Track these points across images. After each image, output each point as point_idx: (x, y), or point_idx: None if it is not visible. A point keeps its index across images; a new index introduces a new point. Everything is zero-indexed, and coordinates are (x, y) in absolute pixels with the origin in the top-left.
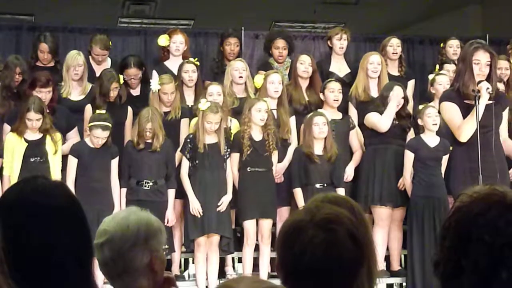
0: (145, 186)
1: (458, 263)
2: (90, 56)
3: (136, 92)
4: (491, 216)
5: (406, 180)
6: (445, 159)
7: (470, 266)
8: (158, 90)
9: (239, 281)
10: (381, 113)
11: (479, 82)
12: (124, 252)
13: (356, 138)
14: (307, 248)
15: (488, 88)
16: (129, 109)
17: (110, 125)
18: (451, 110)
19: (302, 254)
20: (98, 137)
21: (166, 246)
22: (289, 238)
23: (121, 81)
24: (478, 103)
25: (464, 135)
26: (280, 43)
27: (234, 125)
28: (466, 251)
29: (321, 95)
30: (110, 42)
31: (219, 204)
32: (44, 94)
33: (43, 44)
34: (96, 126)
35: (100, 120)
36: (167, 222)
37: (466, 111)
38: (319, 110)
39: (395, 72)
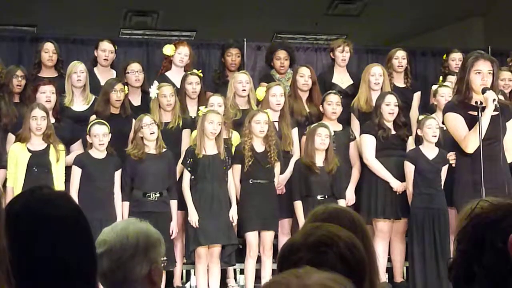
0: (152, 198)
1: (471, 268)
2: (95, 68)
3: (136, 102)
4: (506, 224)
5: (409, 192)
6: (444, 170)
7: (483, 272)
8: (157, 94)
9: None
10: (374, 126)
11: (484, 90)
12: (123, 262)
13: (355, 150)
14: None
15: (494, 100)
16: (134, 121)
17: (107, 125)
18: (456, 121)
19: None
20: (97, 134)
21: (165, 258)
22: (283, 259)
23: (126, 90)
24: (481, 115)
25: (470, 146)
26: (282, 54)
27: (234, 137)
28: (479, 257)
29: (320, 107)
30: (116, 46)
31: (231, 219)
32: (48, 93)
33: (48, 43)
34: (93, 123)
35: (97, 120)
36: (172, 234)
37: (470, 122)
38: (323, 121)
39: (401, 84)
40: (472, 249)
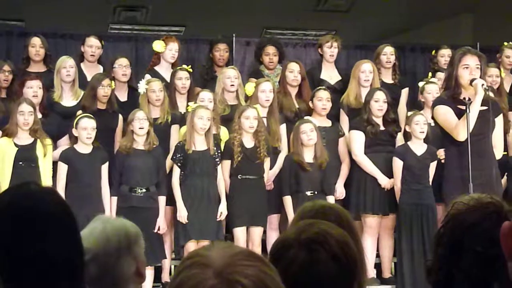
0: (138, 193)
1: (450, 272)
2: (82, 63)
3: (123, 97)
4: (484, 227)
5: (397, 187)
6: (432, 166)
7: (462, 276)
8: (146, 89)
9: (210, 248)
10: (363, 122)
11: (472, 80)
12: (111, 266)
13: (345, 146)
14: (288, 267)
15: (483, 85)
16: (120, 116)
17: (95, 119)
18: (446, 112)
19: (285, 272)
20: (86, 127)
21: (144, 246)
22: (275, 256)
23: (113, 86)
24: (469, 111)
25: (461, 134)
26: (271, 49)
27: (223, 132)
28: (458, 260)
29: (310, 103)
30: (103, 42)
31: (218, 216)
32: (35, 88)
33: (35, 38)
34: (81, 117)
35: (85, 114)
36: (158, 230)
37: (460, 116)
38: (306, 117)
39: (389, 80)
40: (451, 252)
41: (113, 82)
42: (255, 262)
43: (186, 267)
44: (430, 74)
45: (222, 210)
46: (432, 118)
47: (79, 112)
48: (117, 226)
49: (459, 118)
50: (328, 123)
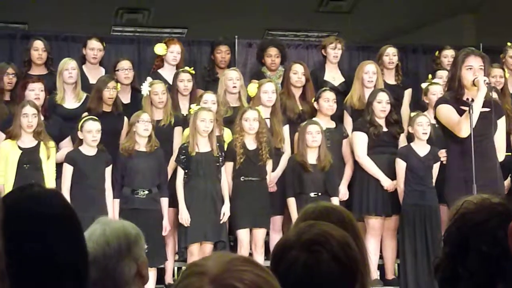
0: (140, 195)
1: (456, 270)
2: (84, 65)
3: (126, 99)
4: (490, 226)
5: (400, 189)
6: (435, 167)
7: (467, 275)
8: (149, 92)
9: (207, 258)
10: (366, 123)
11: (474, 79)
12: (111, 270)
13: (348, 147)
14: (290, 269)
15: (485, 80)
16: (125, 118)
17: (99, 122)
18: (448, 110)
19: (286, 274)
20: (91, 130)
21: (146, 246)
22: (277, 257)
23: (118, 88)
24: (472, 112)
25: (464, 130)
26: (273, 51)
27: (226, 134)
28: (464, 259)
29: (315, 104)
30: (104, 44)
31: (221, 218)
32: (37, 91)
33: (37, 41)
34: (86, 120)
35: (90, 117)
36: (165, 231)
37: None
38: (313, 118)
39: (391, 81)
40: (457, 251)
41: (118, 84)
42: (250, 267)
43: (184, 277)
44: (430, 75)
45: (225, 210)
46: (435, 118)
47: (85, 114)
48: (117, 228)
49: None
50: (332, 124)
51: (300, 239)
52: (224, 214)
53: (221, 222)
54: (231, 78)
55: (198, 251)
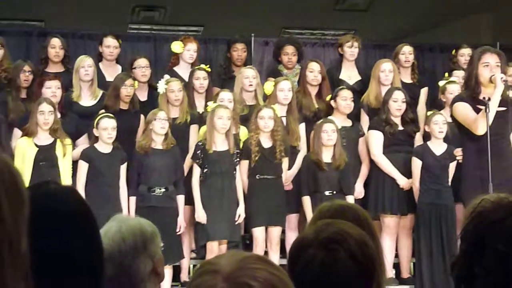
0: (157, 193)
1: (472, 269)
2: (100, 63)
3: (143, 97)
4: (507, 225)
5: (415, 187)
6: (452, 166)
7: (483, 273)
8: (165, 89)
9: (220, 256)
10: (381, 122)
11: (491, 77)
12: (127, 267)
13: (364, 146)
14: (307, 267)
15: (502, 78)
16: (142, 116)
17: (115, 119)
18: (465, 108)
19: (304, 272)
20: (106, 127)
21: (162, 244)
22: (294, 255)
23: (136, 86)
24: (489, 111)
25: (480, 127)
26: (289, 49)
27: (242, 132)
28: (480, 258)
29: (332, 102)
30: (120, 41)
31: (236, 218)
32: (54, 89)
33: (54, 39)
34: (102, 117)
35: (105, 114)
36: (180, 229)
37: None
38: (330, 117)
39: (408, 79)
40: (473, 249)
41: (136, 82)
42: (264, 265)
43: (197, 275)
44: (446, 74)
45: (240, 212)
46: (451, 116)
47: (101, 111)
48: (133, 225)
49: None
50: (348, 123)
51: (318, 237)
52: (239, 216)
53: (236, 223)
54: (248, 76)
55: (218, 249)
